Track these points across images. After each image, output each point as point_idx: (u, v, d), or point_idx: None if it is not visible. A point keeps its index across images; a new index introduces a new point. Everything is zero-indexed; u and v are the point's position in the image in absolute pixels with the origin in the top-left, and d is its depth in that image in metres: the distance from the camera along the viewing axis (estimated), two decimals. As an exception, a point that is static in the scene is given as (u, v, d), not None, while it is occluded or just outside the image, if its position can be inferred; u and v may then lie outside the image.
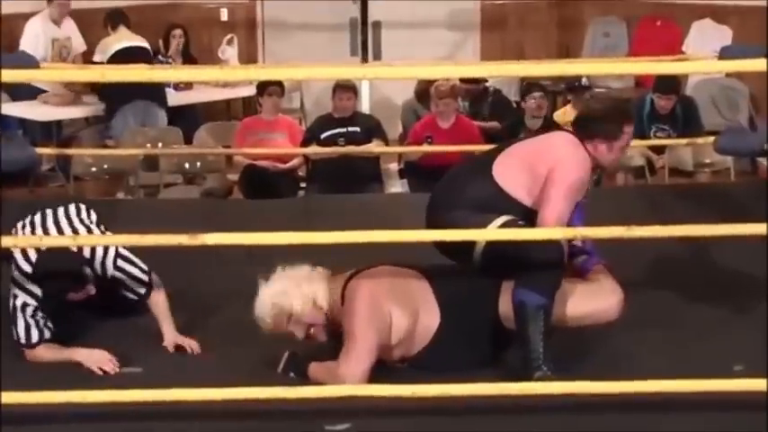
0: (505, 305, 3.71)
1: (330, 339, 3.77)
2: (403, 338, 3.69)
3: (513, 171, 3.76)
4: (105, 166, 7.42)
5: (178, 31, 9.35)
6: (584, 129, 3.86)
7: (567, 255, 3.77)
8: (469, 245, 3.66)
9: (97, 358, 3.88)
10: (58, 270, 3.87)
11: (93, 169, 7.43)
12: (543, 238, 3.59)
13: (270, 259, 3.82)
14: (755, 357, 3.77)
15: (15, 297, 3.96)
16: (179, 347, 4.05)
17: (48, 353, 3.98)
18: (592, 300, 3.76)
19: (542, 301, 3.61)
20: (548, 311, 3.62)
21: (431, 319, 3.73)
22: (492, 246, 3.61)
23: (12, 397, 3.27)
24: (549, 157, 3.74)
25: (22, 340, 3.97)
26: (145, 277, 4.12)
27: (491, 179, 3.75)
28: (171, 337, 4.08)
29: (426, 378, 3.48)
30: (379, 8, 10.63)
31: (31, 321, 3.95)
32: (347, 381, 3.52)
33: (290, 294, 3.70)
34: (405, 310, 3.69)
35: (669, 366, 3.65)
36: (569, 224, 3.76)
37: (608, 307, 3.76)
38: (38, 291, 3.94)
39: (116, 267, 4.05)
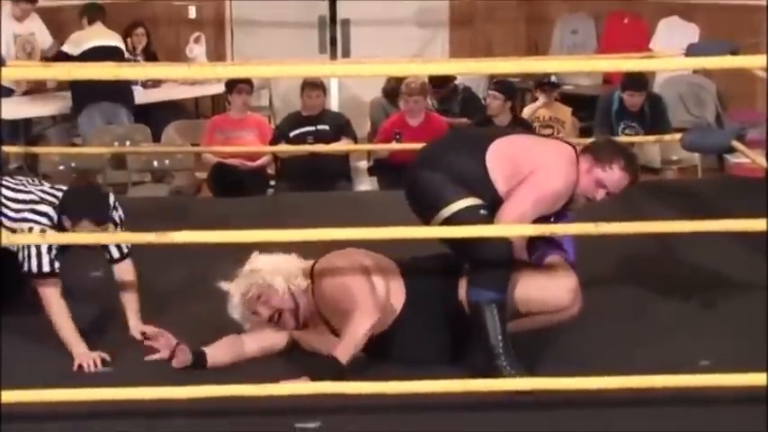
0: (464, 289, 3.74)
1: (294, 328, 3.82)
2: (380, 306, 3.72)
3: (502, 158, 3.77)
4: (73, 165, 7.37)
5: (140, 30, 9.31)
6: (589, 144, 3.93)
7: (525, 251, 3.79)
8: (431, 212, 3.72)
9: (89, 359, 3.80)
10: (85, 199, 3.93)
11: (61, 167, 7.38)
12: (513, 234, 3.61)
13: (239, 257, 3.81)
14: (722, 352, 3.80)
15: (31, 229, 3.86)
16: (145, 335, 4.04)
17: (56, 303, 3.84)
18: (541, 285, 3.75)
19: (495, 296, 3.63)
20: (501, 306, 3.64)
21: (397, 298, 3.79)
22: (447, 224, 3.66)
23: (11, 395, 3.24)
24: (537, 159, 3.75)
25: (33, 268, 3.85)
26: (124, 247, 4.13)
27: (482, 158, 3.77)
28: (136, 324, 4.10)
29: (393, 374, 3.48)
30: (347, 6, 10.64)
31: (43, 248, 3.84)
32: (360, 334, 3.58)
33: (269, 274, 3.76)
34: (378, 281, 3.75)
35: (636, 361, 3.67)
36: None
37: (558, 293, 3.74)
38: (53, 214, 3.90)
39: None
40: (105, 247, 4.12)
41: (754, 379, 3.31)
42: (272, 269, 3.78)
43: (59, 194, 3.99)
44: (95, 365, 3.78)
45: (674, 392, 3.38)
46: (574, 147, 3.89)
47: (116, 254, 4.13)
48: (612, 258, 4.74)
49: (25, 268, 3.86)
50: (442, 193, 3.71)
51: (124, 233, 4.03)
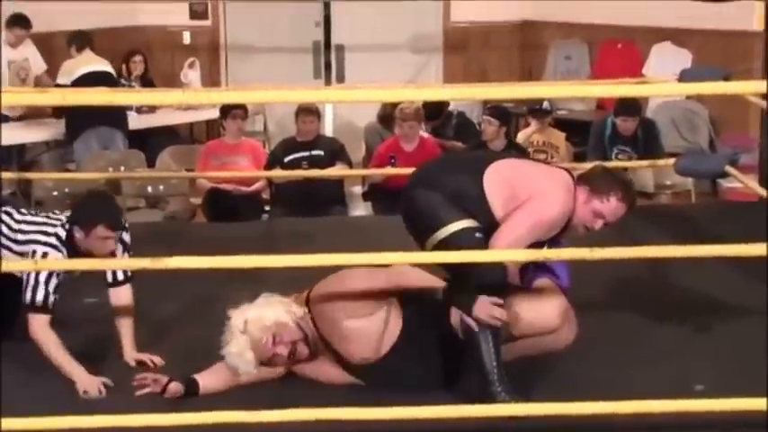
0: (456, 314, 3.73)
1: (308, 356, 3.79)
2: (378, 332, 3.71)
3: (500, 182, 3.77)
4: (66, 190, 7.37)
5: (138, 57, 9.36)
6: (586, 173, 3.91)
7: (518, 277, 3.79)
8: (427, 233, 3.71)
9: (94, 385, 3.78)
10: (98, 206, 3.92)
11: (55, 193, 7.38)
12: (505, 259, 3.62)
13: (234, 282, 3.81)
14: (717, 377, 3.80)
15: (45, 255, 3.83)
16: (140, 362, 4.02)
17: (42, 335, 3.81)
18: (529, 307, 3.76)
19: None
20: (495, 332, 3.63)
21: (395, 324, 3.76)
22: (442, 246, 3.66)
23: (12, 423, 3.21)
24: (536, 185, 3.75)
25: (27, 299, 3.81)
26: (128, 271, 4.10)
27: (479, 179, 3.77)
28: (132, 352, 4.06)
29: (387, 400, 3.47)
30: (342, 31, 10.69)
31: (42, 277, 3.80)
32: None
33: (271, 313, 3.73)
34: (378, 306, 3.75)
35: (630, 386, 3.66)
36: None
37: (546, 316, 3.75)
38: (62, 233, 3.89)
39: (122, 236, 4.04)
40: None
41: (754, 404, 3.29)
42: (266, 309, 3.75)
43: (63, 217, 3.96)
44: (99, 392, 3.77)
45: (671, 417, 3.37)
46: (570, 173, 3.89)
47: (120, 276, 4.09)
48: (607, 283, 4.74)
49: (26, 299, 3.85)
50: (438, 214, 3.71)
51: (118, 259, 4.01)
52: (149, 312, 4.34)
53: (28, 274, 3.84)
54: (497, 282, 3.64)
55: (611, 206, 3.78)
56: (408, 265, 3.81)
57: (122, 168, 7.66)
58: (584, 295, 3.96)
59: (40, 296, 3.83)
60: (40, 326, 3.84)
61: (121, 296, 4.10)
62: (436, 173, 3.88)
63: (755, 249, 3.40)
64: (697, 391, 3.66)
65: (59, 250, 3.89)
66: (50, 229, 3.93)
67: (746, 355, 4.07)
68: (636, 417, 3.37)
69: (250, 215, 7.15)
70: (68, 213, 3.98)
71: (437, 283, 3.78)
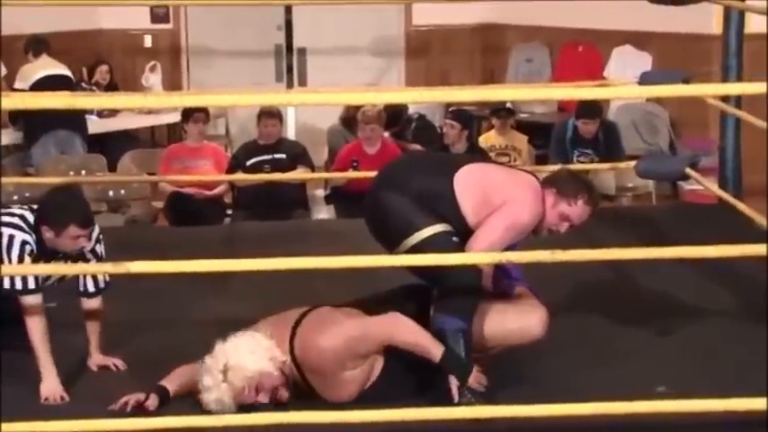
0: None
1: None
2: (363, 379, 3.65)
3: (471, 186, 3.76)
4: (27, 195, 7.30)
5: (104, 67, 9.35)
6: (551, 176, 3.92)
7: (491, 280, 3.79)
8: (397, 237, 3.68)
9: (53, 392, 3.73)
10: (67, 204, 3.79)
11: (15, 198, 7.31)
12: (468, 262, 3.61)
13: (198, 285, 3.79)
14: (677, 378, 3.82)
15: (12, 237, 3.74)
16: (103, 367, 4.00)
17: (37, 323, 3.73)
18: (512, 318, 3.77)
19: (461, 325, 3.61)
20: (467, 335, 3.63)
21: (378, 365, 3.67)
22: (416, 250, 3.63)
23: (12, 427, 3.19)
24: (509, 191, 3.75)
25: (17, 285, 3.72)
26: (102, 283, 4.03)
27: (450, 182, 3.75)
28: (96, 356, 4.03)
29: (352, 403, 3.47)
30: (304, 35, 10.69)
31: (28, 261, 3.72)
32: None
33: (253, 363, 3.54)
34: (366, 357, 3.64)
35: (593, 388, 3.68)
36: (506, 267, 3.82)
37: (529, 325, 3.76)
38: (30, 218, 3.79)
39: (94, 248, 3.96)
40: (78, 280, 4.00)
41: (755, 404, 3.30)
42: (248, 356, 3.57)
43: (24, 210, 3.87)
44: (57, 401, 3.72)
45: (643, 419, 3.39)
46: (536, 176, 3.91)
47: (91, 288, 4.02)
48: (568, 286, 4.76)
49: (5, 283, 3.73)
50: (410, 218, 3.68)
51: (79, 264, 3.94)
52: (115, 316, 4.30)
53: (0, 259, 3.73)
54: (472, 285, 3.63)
55: (578, 209, 3.80)
56: (399, 316, 3.65)
57: (83, 172, 7.61)
58: (545, 298, 3.97)
59: (18, 278, 3.75)
60: (28, 308, 3.75)
61: (91, 303, 4.04)
62: (403, 174, 3.84)
63: (757, 249, 3.43)
64: (658, 393, 3.68)
65: (26, 232, 3.79)
66: (16, 211, 3.85)
67: (707, 356, 4.10)
68: (602, 418, 3.38)
69: (212, 219, 7.13)
70: (24, 210, 3.88)
71: (426, 336, 3.61)
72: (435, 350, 3.57)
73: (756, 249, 3.42)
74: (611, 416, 3.36)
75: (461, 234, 3.70)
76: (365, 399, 3.60)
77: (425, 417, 3.35)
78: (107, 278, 4.03)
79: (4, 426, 3.16)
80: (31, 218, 3.83)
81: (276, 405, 3.59)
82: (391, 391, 3.61)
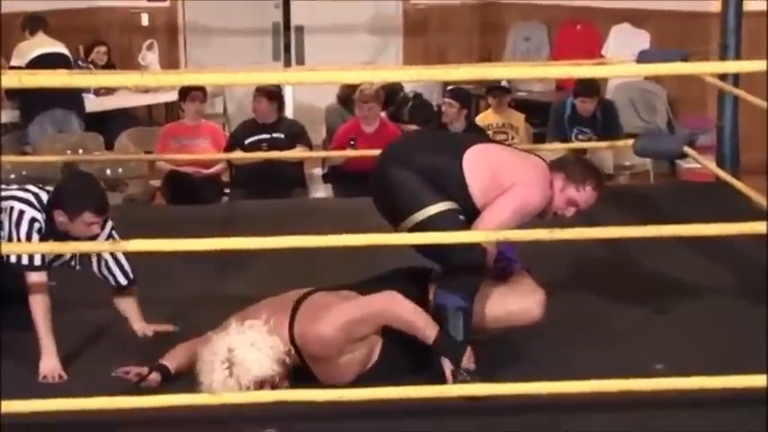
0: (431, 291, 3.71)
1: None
2: (363, 361, 3.65)
3: (481, 166, 3.74)
4: (24, 173, 7.30)
5: (102, 48, 9.32)
6: (559, 160, 3.91)
7: (491, 259, 3.79)
8: (403, 213, 3.67)
9: (51, 370, 3.73)
10: (85, 190, 3.78)
11: (12, 176, 7.30)
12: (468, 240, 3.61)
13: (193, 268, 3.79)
14: (675, 356, 3.84)
15: (22, 212, 3.73)
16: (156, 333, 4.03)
17: (40, 301, 3.72)
18: (512, 300, 3.78)
19: (462, 304, 3.61)
20: (468, 314, 3.63)
21: (377, 346, 3.67)
22: (421, 227, 3.62)
23: (12, 405, 3.18)
24: (519, 173, 3.74)
25: (24, 260, 3.71)
26: (130, 272, 4.03)
27: (459, 160, 3.73)
28: (140, 325, 4.06)
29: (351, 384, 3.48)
30: (301, 13, 10.65)
31: (36, 238, 3.71)
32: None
33: (257, 367, 3.49)
34: (365, 338, 3.63)
35: (591, 366, 3.69)
36: (500, 247, 3.80)
37: (529, 307, 3.78)
38: (43, 196, 3.79)
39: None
40: (107, 274, 4.02)
41: (754, 381, 3.30)
42: (253, 355, 3.50)
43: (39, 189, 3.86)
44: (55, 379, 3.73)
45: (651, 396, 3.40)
46: (544, 160, 3.89)
47: (123, 281, 4.03)
48: (566, 264, 4.77)
49: (12, 258, 3.72)
50: (417, 194, 3.66)
51: (77, 242, 3.93)
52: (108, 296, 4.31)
53: (9, 233, 3.73)
54: (476, 263, 3.63)
55: (587, 195, 3.81)
56: (395, 294, 3.65)
57: (80, 151, 7.60)
58: (542, 276, 3.97)
59: (24, 254, 3.75)
60: (32, 285, 3.74)
61: (127, 302, 4.07)
62: (411, 150, 3.82)
63: (715, 229, 3.44)
64: (656, 370, 3.69)
65: (37, 209, 3.79)
66: (31, 188, 3.85)
67: (704, 334, 4.11)
68: (600, 396, 3.39)
69: (210, 198, 7.13)
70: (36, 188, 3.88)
71: (422, 316, 3.62)
72: (430, 331, 3.57)
73: (756, 227, 3.42)
74: (609, 393, 3.37)
75: (468, 214, 3.69)
76: (364, 381, 3.59)
77: (421, 394, 3.36)
78: (128, 269, 4.03)
79: (4, 404, 3.16)
80: (44, 197, 3.83)
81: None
82: (390, 373, 3.61)
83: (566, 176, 3.80)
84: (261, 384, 3.50)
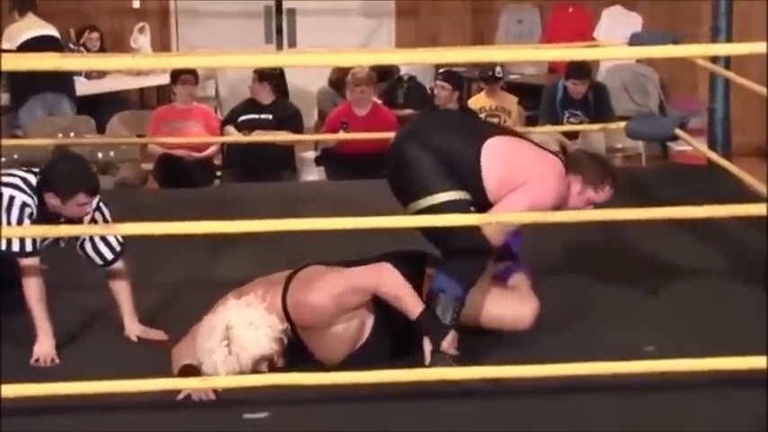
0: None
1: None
2: (355, 335, 3.66)
3: (498, 159, 3.71)
4: (15, 157, 7.28)
5: (95, 34, 9.29)
6: (574, 161, 3.88)
7: (493, 253, 3.78)
8: (413, 195, 3.66)
9: (45, 354, 3.73)
10: (76, 171, 3.74)
11: (3, 159, 7.28)
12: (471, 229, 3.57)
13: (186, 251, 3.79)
14: (666, 338, 3.85)
15: (12, 198, 3.70)
16: (142, 339, 3.95)
17: (34, 285, 3.71)
18: (507, 304, 3.81)
19: (458, 292, 3.61)
20: (460, 302, 3.63)
21: (368, 321, 3.69)
22: (429, 213, 3.61)
23: (12, 390, 3.19)
24: (534, 171, 3.71)
25: (15, 247, 3.68)
26: (117, 246, 3.96)
27: (477, 149, 3.70)
28: (134, 326, 3.97)
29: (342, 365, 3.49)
30: (293, -5, 10.62)
31: (27, 224, 3.67)
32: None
33: (256, 347, 3.50)
34: (356, 309, 3.65)
35: (582, 348, 3.70)
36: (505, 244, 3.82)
37: (521, 315, 3.81)
38: (33, 180, 3.74)
39: (94, 216, 3.90)
40: (92, 251, 3.95)
41: (754, 362, 3.30)
42: (251, 333, 3.51)
43: (27, 173, 3.82)
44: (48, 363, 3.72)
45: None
46: (561, 159, 3.86)
47: (109, 255, 3.94)
48: (558, 246, 4.78)
49: (2, 246, 3.70)
50: (429, 179, 3.63)
51: (68, 225, 3.90)
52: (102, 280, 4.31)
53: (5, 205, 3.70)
54: (480, 252, 3.63)
55: (605, 194, 3.83)
56: (387, 265, 3.65)
57: (72, 134, 7.56)
58: (536, 259, 3.98)
59: (15, 240, 3.72)
60: (25, 270, 3.72)
61: (114, 269, 3.98)
62: (432, 130, 3.78)
63: (755, 209, 3.45)
64: (647, 353, 3.70)
65: (27, 194, 3.76)
66: (18, 173, 3.82)
67: (696, 316, 4.13)
68: (592, 378, 3.40)
69: (202, 181, 7.12)
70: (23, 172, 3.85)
71: (411, 292, 3.62)
72: (416, 308, 3.57)
73: (753, 210, 3.43)
74: (600, 376, 3.39)
75: (479, 206, 3.65)
76: (356, 359, 3.62)
77: (401, 378, 3.35)
78: (120, 239, 3.96)
79: (4, 389, 3.16)
80: (33, 180, 3.80)
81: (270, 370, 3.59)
82: (382, 351, 3.63)
83: (583, 179, 3.79)
84: (259, 363, 3.51)
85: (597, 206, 3.83)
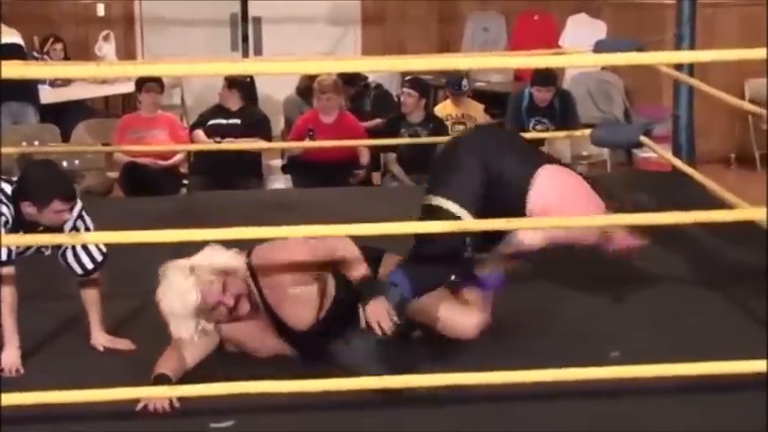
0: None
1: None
2: (317, 299, 3.70)
3: (554, 187, 3.75)
4: (-20, 166, 7.23)
5: (59, 45, 9.25)
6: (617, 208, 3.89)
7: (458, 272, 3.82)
8: (433, 184, 3.75)
9: (10, 363, 3.70)
10: (50, 178, 3.72)
11: (-33, 169, 7.24)
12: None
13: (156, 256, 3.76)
14: (630, 344, 3.87)
15: None
16: (108, 349, 3.92)
17: (7, 294, 3.67)
18: (454, 310, 3.83)
19: (408, 295, 3.63)
20: (405, 305, 3.64)
21: (330, 292, 3.73)
22: (426, 210, 3.68)
23: (11, 398, 3.16)
24: (584, 211, 3.74)
25: None
26: (99, 256, 3.92)
27: (532, 168, 3.75)
28: (100, 336, 3.94)
29: (307, 374, 3.48)
30: (259, 3, 10.61)
31: (2, 232, 3.62)
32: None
33: (220, 257, 3.60)
34: (317, 274, 3.71)
35: (548, 353, 3.71)
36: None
37: (466, 325, 3.82)
38: (8, 189, 3.71)
39: (76, 224, 3.86)
40: (74, 261, 3.90)
41: (755, 366, 3.30)
42: (214, 254, 3.62)
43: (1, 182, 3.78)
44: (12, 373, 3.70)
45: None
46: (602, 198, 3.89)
47: (89, 264, 3.90)
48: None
49: None
50: (452, 184, 3.68)
51: (36, 235, 3.87)
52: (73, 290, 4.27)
53: None
54: (444, 261, 3.67)
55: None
56: (345, 238, 3.71)
57: (36, 143, 7.53)
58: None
59: None
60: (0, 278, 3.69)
61: (88, 281, 3.95)
62: (495, 144, 3.83)
63: (757, 213, 3.49)
64: (612, 359, 3.72)
65: (2, 203, 3.71)
66: None
67: (661, 322, 4.15)
68: (557, 385, 3.41)
69: (168, 189, 7.11)
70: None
71: (363, 264, 3.68)
72: (360, 273, 3.63)
73: (752, 214, 3.46)
74: (566, 382, 3.39)
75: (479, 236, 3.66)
76: (321, 329, 3.66)
77: (366, 386, 3.33)
78: (103, 250, 3.93)
79: (4, 397, 3.13)
80: (8, 189, 3.76)
81: (235, 320, 3.64)
82: (344, 319, 3.65)
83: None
84: (224, 285, 3.55)
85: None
